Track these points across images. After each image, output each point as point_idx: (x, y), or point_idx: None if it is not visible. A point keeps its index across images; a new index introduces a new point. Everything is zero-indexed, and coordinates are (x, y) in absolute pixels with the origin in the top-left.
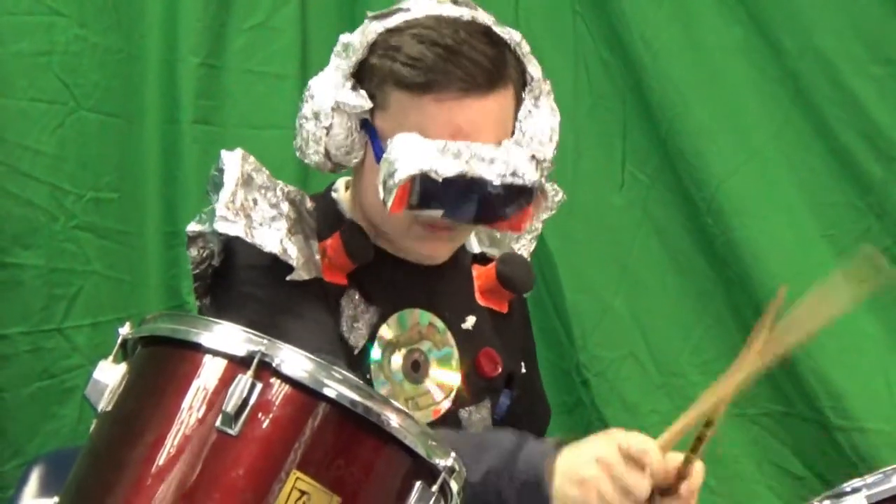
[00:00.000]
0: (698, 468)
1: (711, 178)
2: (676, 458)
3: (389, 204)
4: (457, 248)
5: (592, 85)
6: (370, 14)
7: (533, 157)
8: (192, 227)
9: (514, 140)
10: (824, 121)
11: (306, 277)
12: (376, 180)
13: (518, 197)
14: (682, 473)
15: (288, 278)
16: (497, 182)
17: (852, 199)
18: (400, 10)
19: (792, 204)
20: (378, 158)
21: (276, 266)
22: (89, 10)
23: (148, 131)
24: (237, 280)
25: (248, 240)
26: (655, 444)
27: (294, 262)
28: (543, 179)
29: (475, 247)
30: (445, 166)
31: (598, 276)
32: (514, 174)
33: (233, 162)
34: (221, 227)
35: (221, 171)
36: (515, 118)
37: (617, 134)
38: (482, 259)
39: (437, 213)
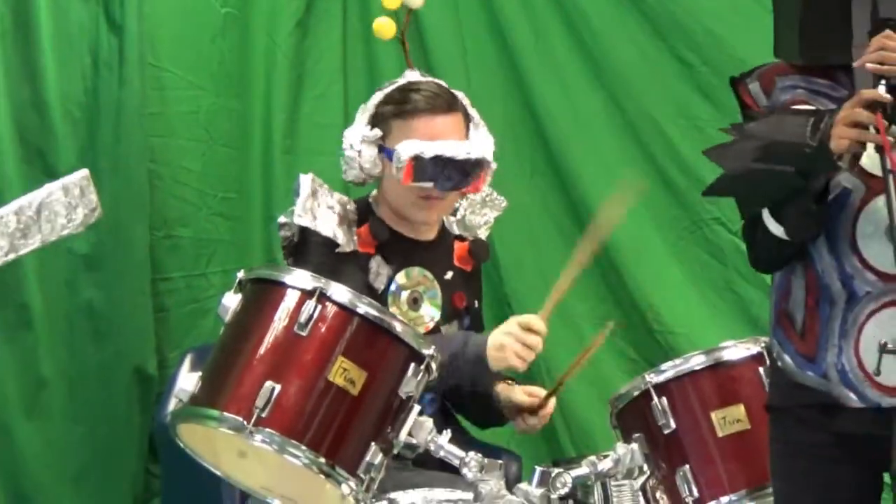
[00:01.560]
0: (551, 404)
1: (583, 185)
2: (541, 393)
3: (401, 178)
4: (441, 216)
5: (515, 132)
6: (379, 87)
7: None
8: (282, 219)
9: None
10: (651, 153)
11: (348, 251)
12: (391, 172)
13: (475, 167)
14: (542, 404)
15: (336, 251)
16: (462, 157)
17: (668, 200)
18: (395, 81)
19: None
20: (391, 160)
21: (330, 243)
22: (221, 85)
23: (254, 158)
24: (308, 250)
25: (313, 228)
26: (538, 315)
27: (341, 242)
28: (489, 164)
29: (455, 230)
30: (430, 150)
31: (516, 243)
32: (470, 152)
33: (306, 181)
34: (297, 220)
35: (299, 185)
36: (466, 137)
37: (527, 161)
38: (460, 238)
39: (429, 185)
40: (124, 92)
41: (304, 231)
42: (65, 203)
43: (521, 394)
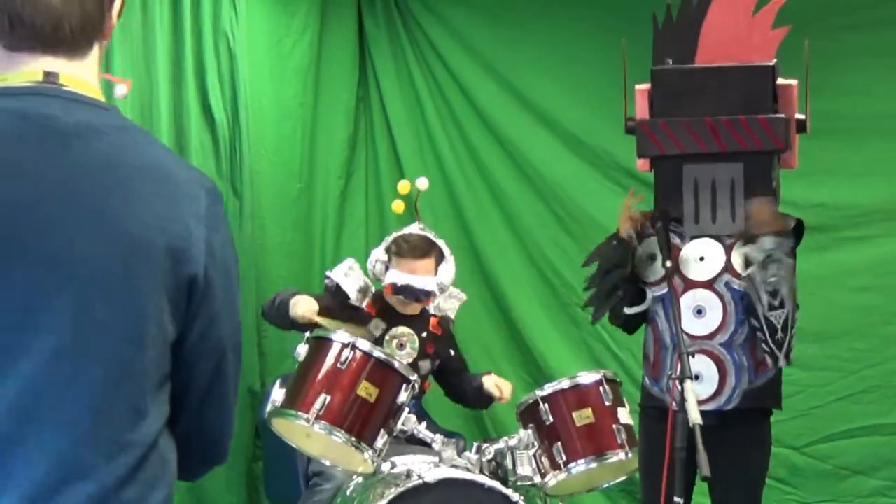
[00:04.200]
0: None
1: (501, 291)
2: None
3: (384, 290)
4: (415, 309)
5: (462, 258)
6: (394, 230)
7: (439, 283)
8: (327, 273)
9: (436, 278)
10: (539, 267)
11: (355, 305)
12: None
13: (425, 294)
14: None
15: (348, 301)
16: (418, 287)
17: (549, 293)
18: (402, 229)
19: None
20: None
21: (346, 295)
22: (297, 227)
23: (315, 268)
24: (335, 294)
25: (340, 284)
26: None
27: (351, 297)
28: (440, 292)
29: (432, 311)
30: (401, 281)
31: (467, 324)
32: (423, 287)
33: (348, 261)
34: (333, 276)
35: (343, 263)
36: (437, 268)
37: (468, 276)
38: (434, 315)
39: (400, 297)
40: (242, 232)
41: (338, 284)
42: None
43: (492, 385)
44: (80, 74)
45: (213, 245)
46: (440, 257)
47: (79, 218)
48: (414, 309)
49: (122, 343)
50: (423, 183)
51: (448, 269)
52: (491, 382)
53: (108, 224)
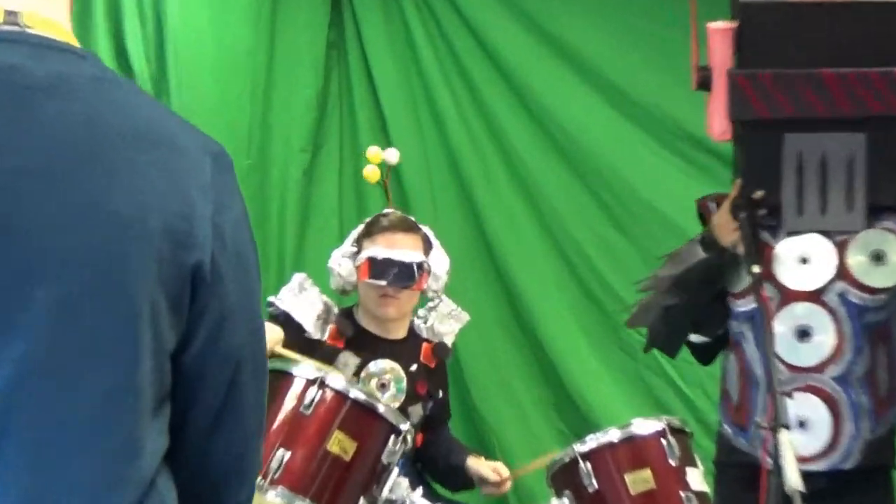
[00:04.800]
0: (509, 482)
1: (523, 298)
2: (503, 471)
3: (360, 275)
4: (399, 312)
5: (471, 256)
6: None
7: (433, 270)
8: (271, 298)
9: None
10: (577, 272)
11: (314, 338)
12: (359, 277)
13: (418, 270)
14: (503, 482)
15: (304, 335)
16: (407, 260)
17: (590, 309)
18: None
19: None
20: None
21: (300, 327)
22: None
23: (271, 273)
24: (285, 328)
25: (289, 313)
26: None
27: (308, 329)
28: (436, 284)
29: (424, 334)
30: (382, 254)
31: (476, 349)
32: (412, 259)
33: (297, 277)
34: (278, 303)
35: (291, 281)
36: (427, 255)
37: (481, 278)
38: (428, 341)
39: (382, 283)
40: None
41: (287, 314)
42: None
43: (487, 469)
44: (47, 12)
45: (221, 225)
46: (427, 246)
47: (55, 197)
48: (399, 329)
49: (111, 353)
50: (392, 155)
51: (440, 258)
52: (483, 465)
53: (90, 203)
